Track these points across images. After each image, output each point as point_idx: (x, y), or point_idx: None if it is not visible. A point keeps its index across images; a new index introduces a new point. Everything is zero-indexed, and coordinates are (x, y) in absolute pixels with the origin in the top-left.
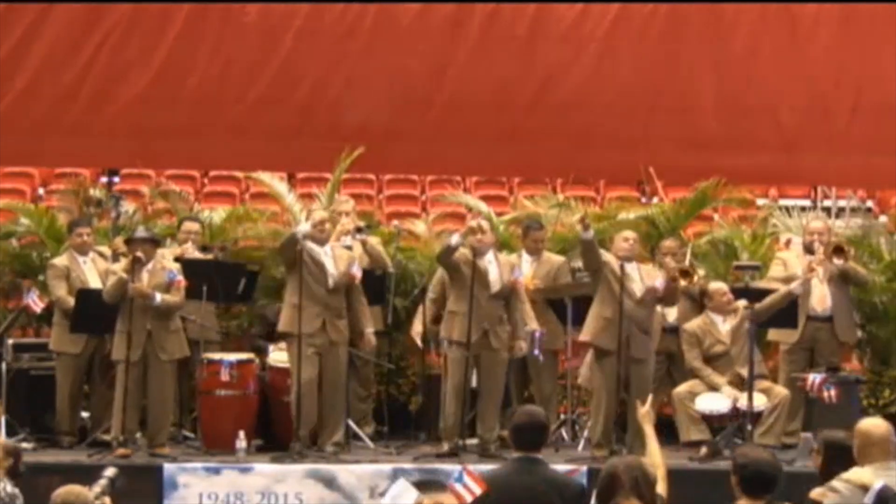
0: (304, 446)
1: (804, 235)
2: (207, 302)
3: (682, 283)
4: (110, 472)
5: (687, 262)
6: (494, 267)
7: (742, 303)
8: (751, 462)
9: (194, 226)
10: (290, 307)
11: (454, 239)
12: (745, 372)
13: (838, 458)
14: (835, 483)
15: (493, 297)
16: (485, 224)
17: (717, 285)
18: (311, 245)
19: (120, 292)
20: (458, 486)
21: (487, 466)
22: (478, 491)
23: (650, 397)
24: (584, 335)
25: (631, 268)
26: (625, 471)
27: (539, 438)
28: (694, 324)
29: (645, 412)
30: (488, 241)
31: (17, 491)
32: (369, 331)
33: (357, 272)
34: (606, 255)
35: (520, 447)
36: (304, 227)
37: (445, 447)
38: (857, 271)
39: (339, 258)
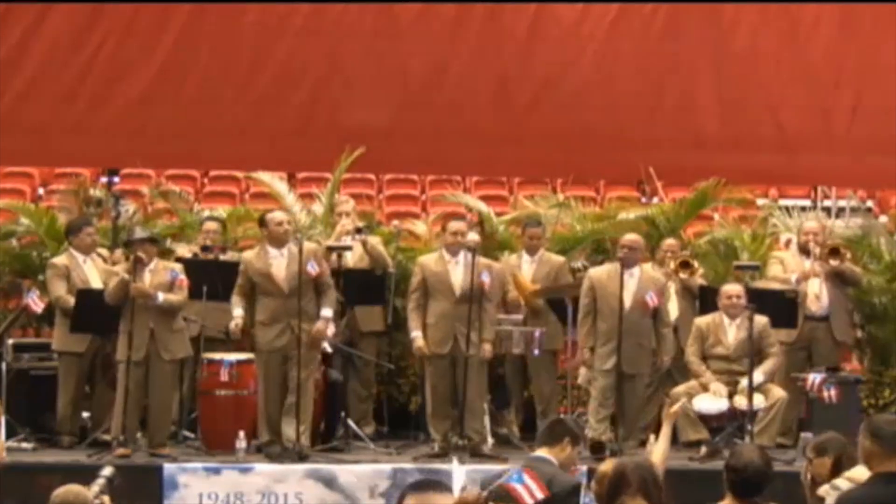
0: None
1: (799, 236)
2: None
3: (683, 275)
4: (107, 471)
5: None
6: (459, 270)
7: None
8: (741, 466)
9: (213, 225)
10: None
11: None
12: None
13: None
14: (838, 481)
15: (459, 302)
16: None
17: (727, 288)
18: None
19: (122, 293)
20: (519, 487)
21: (482, 467)
22: (540, 495)
23: (682, 401)
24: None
25: (628, 275)
26: (633, 470)
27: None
28: (704, 320)
29: (672, 412)
30: (463, 241)
31: None
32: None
33: (312, 270)
34: (592, 274)
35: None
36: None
37: (434, 448)
38: (853, 271)
39: (292, 259)
